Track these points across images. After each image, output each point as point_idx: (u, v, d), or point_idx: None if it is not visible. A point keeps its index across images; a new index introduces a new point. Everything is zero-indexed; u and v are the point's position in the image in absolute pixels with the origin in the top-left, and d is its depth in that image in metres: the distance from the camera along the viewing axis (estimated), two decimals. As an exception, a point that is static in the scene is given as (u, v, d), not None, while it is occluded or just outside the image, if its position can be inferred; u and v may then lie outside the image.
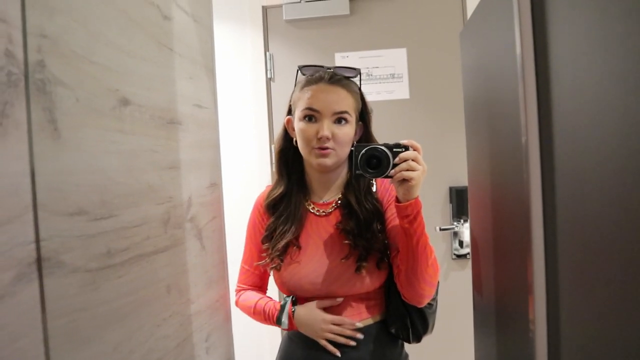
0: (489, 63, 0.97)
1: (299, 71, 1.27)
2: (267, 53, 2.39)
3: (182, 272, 0.98)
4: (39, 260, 0.57)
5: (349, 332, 1.19)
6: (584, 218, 0.60)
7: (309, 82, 1.23)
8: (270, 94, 2.40)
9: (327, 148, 1.19)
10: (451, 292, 2.17)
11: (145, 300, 0.82)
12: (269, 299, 1.30)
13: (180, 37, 1.03)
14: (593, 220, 0.58)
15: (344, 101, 1.21)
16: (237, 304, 1.34)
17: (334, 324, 1.19)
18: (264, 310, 1.27)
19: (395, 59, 2.34)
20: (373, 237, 1.20)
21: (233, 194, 2.03)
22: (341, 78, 1.23)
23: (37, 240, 0.57)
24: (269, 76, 2.39)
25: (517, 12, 0.74)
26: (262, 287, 1.36)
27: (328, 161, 1.20)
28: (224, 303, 1.22)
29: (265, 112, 2.38)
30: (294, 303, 1.25)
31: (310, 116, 1.20)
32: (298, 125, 1.22)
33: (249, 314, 1.31)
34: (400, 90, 2.35)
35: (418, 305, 1.20)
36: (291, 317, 1.23)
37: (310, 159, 1.22)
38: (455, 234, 2.35)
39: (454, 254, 2.36)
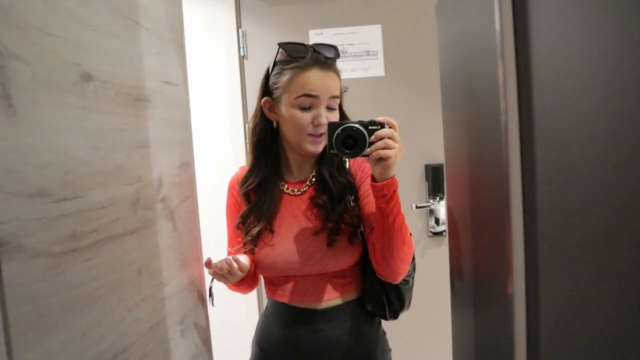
0: (466, 38, 0.95)
1: (280, 49, 1.23)
2: (240, 30, 2.34)
3: (154, 255, 0.95)
4: (-5, 245, 0.54)
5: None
6: (564, 193, 0.59)
7: (301, 67, 1.19)
8: (244, 72, 2.35)
9: (320, 134, 1.19)
10: (427, 269, 2.18)
11: (116, 284, 0.80)
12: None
13: (147, 10, 0.99)
14: (573, 195, 0.57)
15: (336, 85, 1.22)
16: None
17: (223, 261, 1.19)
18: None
19: (370, 36, 2.31)
20: (345, 210, 1.20)
21: (207, 174, 1.99)
22: (332, 62, 1.22)
23: (-6, 224, 0.54)
24: (242, 54, 2.34)
25: None
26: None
27: (320, 147, 1.21)
28: (199, 284, 1.19)
29: (239, 91, 2.34)
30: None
31: (307, 104, 1.18)
32: (290, 111, 1.19)
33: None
34: (376, 68, 2.32)
35: (393, 282, 1.20)
36: None
37: (302, 145, 1.21)
38: (432, 211, 2.35)
39: (430, 232, 2.37)
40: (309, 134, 1.19)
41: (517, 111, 0.72)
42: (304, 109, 1.18)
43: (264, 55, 2.11)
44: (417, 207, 2.29)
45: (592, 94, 0.51)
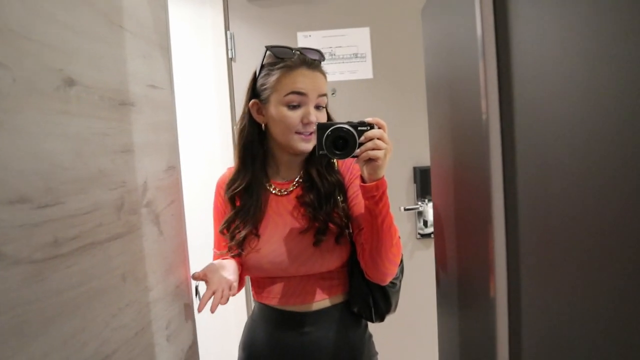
0: (450, 40, 0.96)
1: (268, 51, 1.23)
2: (228, 32, 2.33)
3: (138, 259, 0.95)
4: (-26, 253, 0.53)
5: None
6: (546, 194, 0.60)
7: (289, 67, 1.20)
8: (232, 74, 2.35)
9: (310, 133, 1.19)
10: (416, 271, 2.18)
11: (99, 290, 0.79)
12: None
13: (131, 13, 0.98)
14: (555, 196, 0.57)
15: (324, 85, 1.23)
16: None
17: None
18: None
19: (359, 38, 2.31)
20: (333, 209, 1.20)
21: (194, 177, 1.99)
22: (318, 63, 1.24)
23: (-27, 232, 0.53)
24: (230, 56, 2.33)
25: None
26: None
27: (310, 146, 1.21)
28: (185, 289, 1.19)
29: (227, 93, 2.33)
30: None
31: (296, 102, 1.19)
32: (278, 110, 1.19)
33: None
34: (364, 70, 2.32)
35: (381, 284, 1.20)
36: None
37: (291, 144, 1.21)
38: (420, 213, 2.36)
39: (419, 234, 2.38)
40: (297, 132, 1.20)
41: (498, 110, 0.72)
42: (293, 107, 1.19)
43: (252, 57, 2.11)
44: (405, 210, 2.30)
45: (573, 94, 0.51)
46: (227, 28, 2.34)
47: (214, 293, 1.11)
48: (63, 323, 0.69)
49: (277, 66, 1.20)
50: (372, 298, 1.24)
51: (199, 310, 1.12)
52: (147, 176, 1.00)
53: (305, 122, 1.18)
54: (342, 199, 1.23)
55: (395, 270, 1.18)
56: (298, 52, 1.21)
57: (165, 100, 1.13)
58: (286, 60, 1.20)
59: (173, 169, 1.15)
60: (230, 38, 2.33)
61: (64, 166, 0.71)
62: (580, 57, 0.50)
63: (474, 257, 0.88)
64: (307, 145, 1.20)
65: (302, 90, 1.18)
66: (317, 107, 1.21)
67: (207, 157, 2.31)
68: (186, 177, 1.29)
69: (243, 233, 1.22)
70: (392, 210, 1.12)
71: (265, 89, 1.22)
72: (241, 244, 1.22)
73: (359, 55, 2.32)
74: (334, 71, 2.28)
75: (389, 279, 1.18)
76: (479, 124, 0.75)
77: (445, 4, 0.97)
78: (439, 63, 1.08)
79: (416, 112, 2.27)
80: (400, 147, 2.24)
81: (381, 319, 1.28)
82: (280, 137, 1.21)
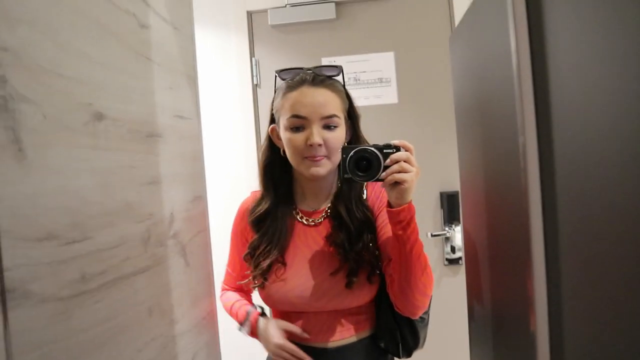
0: (481, 65, 0.94)
1: (277, 76, 1.22)
2: (253, 59, 2.35)
3: (164, 292, 0.93)
4: (2, 293, 0.52)
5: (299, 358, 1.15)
6: (588, 224, 0.57)
7: (290, 87, 1.15)
8: (257, 100, 2.36)
9: (319, 156, 1.12)
10: (444, 299, 2.13)
11: (125, 325, 0.78)
12: (245, 303, 1.28)
13: (158, 46, 0.99)
14: (598, 225, 0.54)
15: (331, 103, 1.14)
16: (221, 300, 1.33)
17: (284, 349, 1.15)
18: (237, 314, 1.26)
19: (383, 63, 2.31)
20: (364, 249, 1.15)
21: (219, 205, 1.98)
22: (324, 78, 1.16)
23: (0, 271, 0.52)
24: (255, 82, 2.35)
25: (512, 11, 0.71)
26: (246, 291, 1.33)
27: (322, 170, 1.13)
28: (211, 320, 1.17)
29: (252, 119, 2.34)
30: (262, 314, 1.23)
31: (298, 123, 1.13)
32: (284, 134, 1.15)
33: (229, 313, 1.30)
34: (389, 95, 2.31)
35: (412, 317, 1.15)
36: (254, 327, 1.21)
37: (301, 169, 1.15)
38: (447, 239, 2.32)
39: (446, 259, 2.33)
40: (305, 157, 1.13)
41: (535, 132, 0.69)
42: (296, 129, 1.13)
43: (277, 85, 2.09)
44: (432, 236, 2.26)
45: (615, 116, 0.49)
46: (252, 55, 2.36)
47: None
48: (105, 351, 0.68)
49: (282, 89, 1.18)
50: (399, 333, 1.19)
51: None
52: (173, 207, 0.99)
53: (309, 144, 1.11)
54: (371, 237, 1.18)
55: (426, 303, 1.12)
56: (309, 71, 1.17)
57: (191, 130, 1.14)
58: (288, 80, 1.18)
59: (200, 198, 1.15)
60: (256, 64, 2.35)
61: (92, 201, 0.71)
62: (623, 75, 0.47)
63: (510, 289, 0.84)
64: (318, 169, 1.13)
65: (300, 114, 1.11)
66: (328, 127, 1.13)
67: (232, 184, 2.31)
68: (212, 206, 1.28)
69: (268, 261, 1.17)
70: (420, 237, 1.08)
71: (276, 112, 1.20)
72: (266, 273, 1.18)
73: (383, 80, 2.31)
74: (358, 96, 2.27)
75: (420, 312, 1.13)
76: (515, 148, 0.72)
77: (476, 29, 0.96)
78: (469, 87, 1.06)
79: (442, 136, 2.24)
80: (427, 172, 2.20)
81: (408, 354, 1.23)
82: (292, 161, 1.16)
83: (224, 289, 1.36)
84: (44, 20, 0.64)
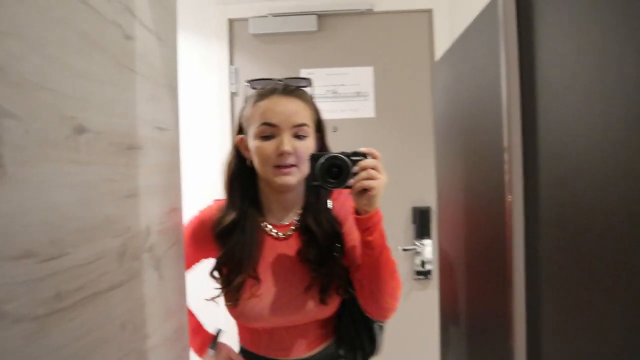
0: (467, 88, 0.97)
1: (248, 85, 1.22)
2: (232, 67, 2.34)
3: (138, 306, 0.92)
4: (-23, 314, 0.51)
5: None
6: (569, 241, 0.59)
7: (261, 95, 1.16)
8: (234, 109, 2.35)
9: (289, 165, 1.13)
10: (413, 312, 2.16)
11: (99, 342, 0.77)
12: (193, 329, 1.28)
13: (142, 57, 0.98)
14: (579, 245, 0.56)
15: (302, 112, 1.16)
16: None
17: None
18: (200, 337, 1.27)
19: (362, 77, 2.33)
20: (335, 264, 1.17)
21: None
22: (295, 88, 1.18)
23: (-23, 291, 0.51)
24: (232, 90, 2.34)
25: (504, 38, 0.73)
26: None
27: (292, 179, 1.14)
28: (182, 333, 1.16)
29: (229, 127, 2.33)
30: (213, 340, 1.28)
31: (269, 132, 1.14)
32: (254, 143, 1.15)
33: None
34: (366, 109, 2.34)
35: (382, 320, 1.18)
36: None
37: (270, 179, 1.16)
38: (417, 253, 2.34)
39: (415, 272, 2.36)
40: (274, 166, 1.15)
41: (520, 150, 0.71)
42: (266, 138, 1.14)
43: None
44: (403, 250, 2.28)
45: (604, 135, 0.51)
46: (231, 63, 2.35)
47: None
48: (62, 379, 0.66)
49: (252, 98, 1.19)
50: (359, 340, 1.21)
51: None
52: (150, 220, 0.98)
53: (278, 153, 1.13)
54: (339, 248, 1.20)
55: (396, 305, 1.14)
56: (277, 81, 1.19)
57: (170, 141, 1.13)
58: (259, 89, 1.19)
59: (175, 210, 1.14)
60: (234, 73, 2.34)
61: (71, 216, 0.70)
62: (608, 95, 0.49)
63: (488, 301, 0.86)
64: (287, 178, 1.14)
65: (272, 121, 1.13)
66: (298, 137, 1.16)
67: (206, 194, 2.29)
68: (186, 216, 1.27)
69: (241, 278, 1.17)
70: (390, 249, 1.10)
71: (245, 121, 1.21)
72: (239, 289, 1.17)
73: (361, 94, 2.33)
74: (336, 109, 2.29)
75: (390, 314, 1.15)
76: (499, 165, 0.74)
77: (464, 53, 0.98)
78: (451, 107, 1.09)
79: (417, 152, 2.27)
80: (400, 186, 2.23)
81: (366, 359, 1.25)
82: (261, 171, 1.18)
83: None
84: (31, 33, 0.63)
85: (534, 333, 0.71)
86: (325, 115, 1.28)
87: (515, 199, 0.73)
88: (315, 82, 2.11)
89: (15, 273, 0.58)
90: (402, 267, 2.34)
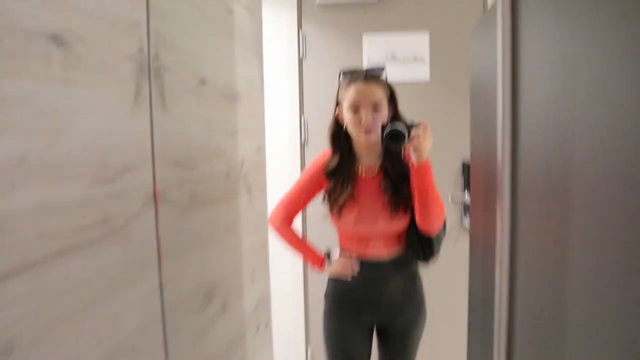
0: (485, 58, 1.19)
1: (341, 74, 1.54)
2: (300, 32, 2.60)
3: (236, 219, 1.23)
4: (155, 195, 0.82)
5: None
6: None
7: (349, 83, 1.53)
8: (302, 72, 2.62)
9: (369, 130, 1.48)
10: (460, 258, 2.39)
11: (212, 238, 1.08)
12: (309, 248, 1.59)
13: (239, 27, 1.26)
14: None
15: (378, 92, 1.53)
16: (277, 230, 1.56)
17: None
18: (306, 255, 1.58)
19: (418, 43, 2.53)
20: (403, 191, 1.52)
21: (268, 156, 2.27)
22: (371, 77, 1.53)
23: (154, 182, 0.82)
24: (300, 55, 2.61)
25: (501, 30, 0.94)
26: (291, 219, 1.65)
27: (370, 138, 1.51)
28: (264, 244, 1.47)
29: (297, 88, 2.61)
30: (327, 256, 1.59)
31: (355, 108, 1.49)
32: (347, 114, 1.52)
33: (289, 244, 1.55)
34: (422, 73, 2.54)
35: (430, 235, 1.57)
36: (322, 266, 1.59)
37: (357, 138, 1.53)
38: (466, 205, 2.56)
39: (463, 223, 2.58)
40: (360, 131, 1.49)
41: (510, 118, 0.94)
42: (355, 113, 1.50)
43: (321, 57, 2.36)
44: (452, 199, 2.51)
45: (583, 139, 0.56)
46: (299, 29, 2.61)
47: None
48: (194, 252, 0.98)
49: (344, 83, 1.51)
50: (421, 247, 1.61)
51: None
52: (244, 155, 1.28)
53: (362, 123, 1.50)
54: (407, 183, 1.53)
55: (441, 223, 1.55)
56: (360, 71, 1.50)
57: (258, 95, 1.42)
58: (348, 78, 1.51)
59: (261, 148, 1.44)
60: (303, 38, 2.60)
61: (199, 142, 1.00)
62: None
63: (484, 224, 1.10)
64: (367, 138, 1.51)
65: (356, 103, 1.50)
66: (374, 110, 1.52)
67: (276, 144, 2.60)
68: (267, 155, 1.56)
69: (343, 197, 1.54)
70: (437, 188, 1.41)
71: (340, 98, 1.53)
72: (342, 207, 1.52)
73: (418, 59, 2.53)
74: (393, 72, 2.50)
75: (436, 230, 1.56)
76: (494, 132, 0.97)
77: (490, 28, 1.20)
78: (476, 75, 1.31)
79: (467, 113, 2.47)
80: (451, 143, 2.45)
81: (427, 261, 1.64)
82: (352, 133, 1.54)
83: (274, 219, 1.61)
84: (178, 12, 0.92)
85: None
86: (384, 77, 1.56)
87: (505, 154, 0.96)
88: (375, 47, 2.32)
89: (172, 174, 0.88)
90: (450, 218, 2.56)
